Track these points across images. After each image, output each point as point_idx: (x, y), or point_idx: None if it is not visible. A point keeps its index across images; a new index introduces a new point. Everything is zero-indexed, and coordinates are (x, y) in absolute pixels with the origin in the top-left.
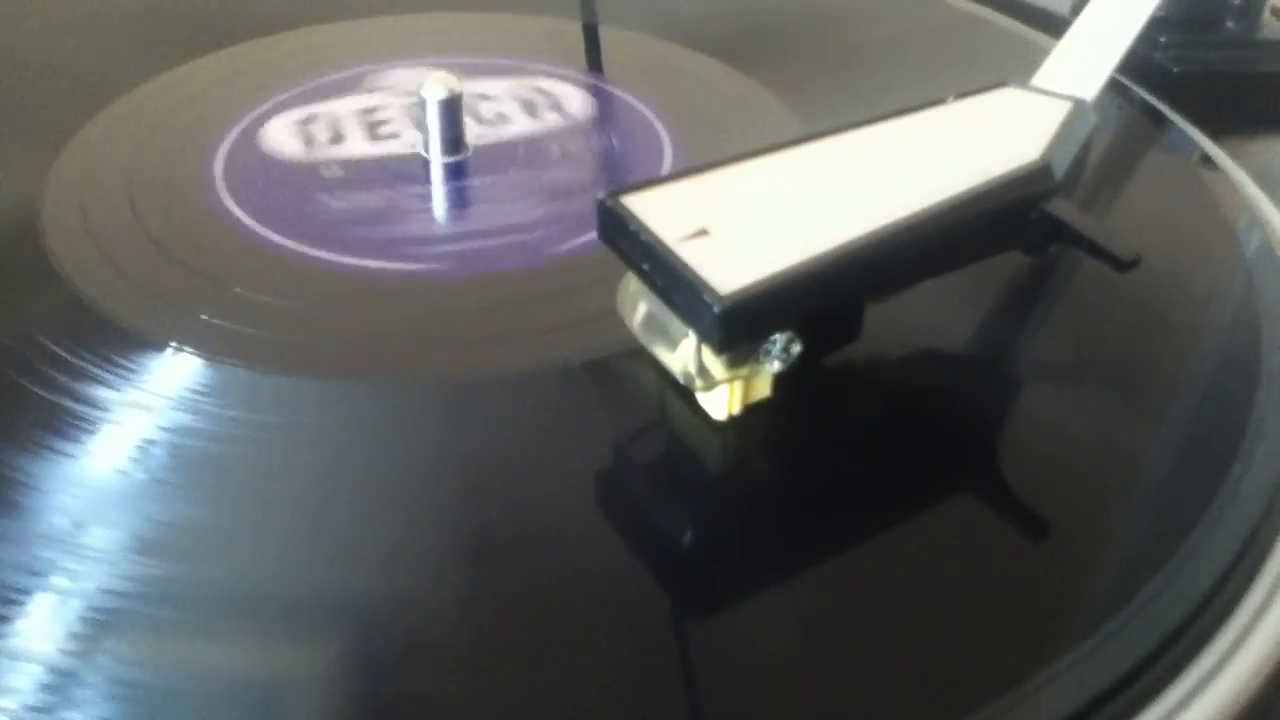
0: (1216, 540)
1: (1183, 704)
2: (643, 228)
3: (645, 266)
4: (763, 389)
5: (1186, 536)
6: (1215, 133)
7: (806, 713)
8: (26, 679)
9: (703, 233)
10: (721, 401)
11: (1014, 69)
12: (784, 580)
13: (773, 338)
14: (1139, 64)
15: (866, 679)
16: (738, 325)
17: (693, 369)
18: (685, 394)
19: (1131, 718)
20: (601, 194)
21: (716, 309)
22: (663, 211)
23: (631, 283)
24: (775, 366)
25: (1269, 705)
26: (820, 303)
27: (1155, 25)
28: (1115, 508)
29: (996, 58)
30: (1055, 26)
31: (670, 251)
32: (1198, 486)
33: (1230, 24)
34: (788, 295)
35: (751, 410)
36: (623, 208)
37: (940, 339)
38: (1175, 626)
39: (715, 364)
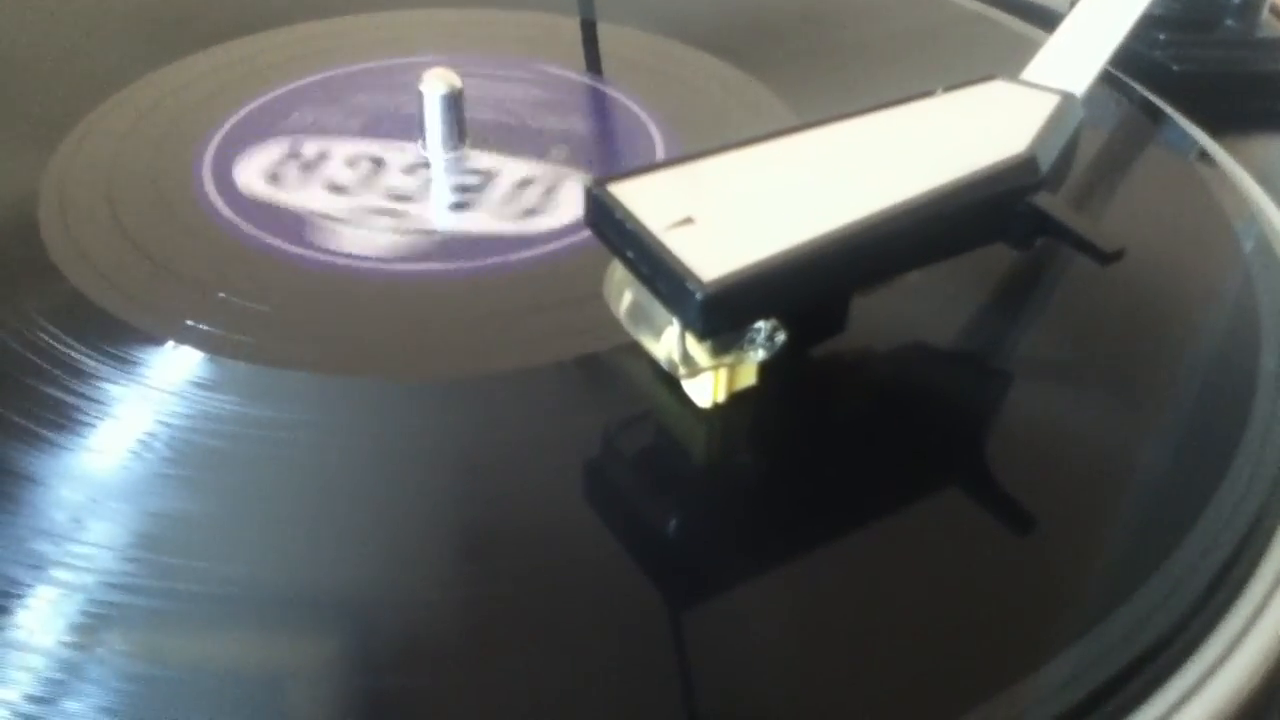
0: (1213, 540)
1: (1178, 705)
2: (628, 215)
3: (630, 254)
4: (748, 377)
5: (1182, 536)
6: (1214, 130)
7: (793, 701)
8: (27, 671)
9: (688, 221)
10: (706, 389)
11: (1012, 66)
12: (771, 569)
13: (757, 325)
14: (1138, 62)
15: (854, 670)
16: (720, 312)
17: (676, 356)
18: (672, 382)
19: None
20: (589, 182)
21: (699, 296)
22: (649, 200)
23: (617, 270)
24: (760, 354)
25: (1261, 709)
26: (804, 291)
27: (1155, 24)
28: (1110, 506)
29: (995, 54)
30: (1054, 23)
31: (655, 239)
32: (1194, 485)
33: (1230, 23)
34: (771, 283)
35: (738, 399)
36: (609, 195)
37: (932, 334)
38: (1171, 627)
39: (699, 351)
